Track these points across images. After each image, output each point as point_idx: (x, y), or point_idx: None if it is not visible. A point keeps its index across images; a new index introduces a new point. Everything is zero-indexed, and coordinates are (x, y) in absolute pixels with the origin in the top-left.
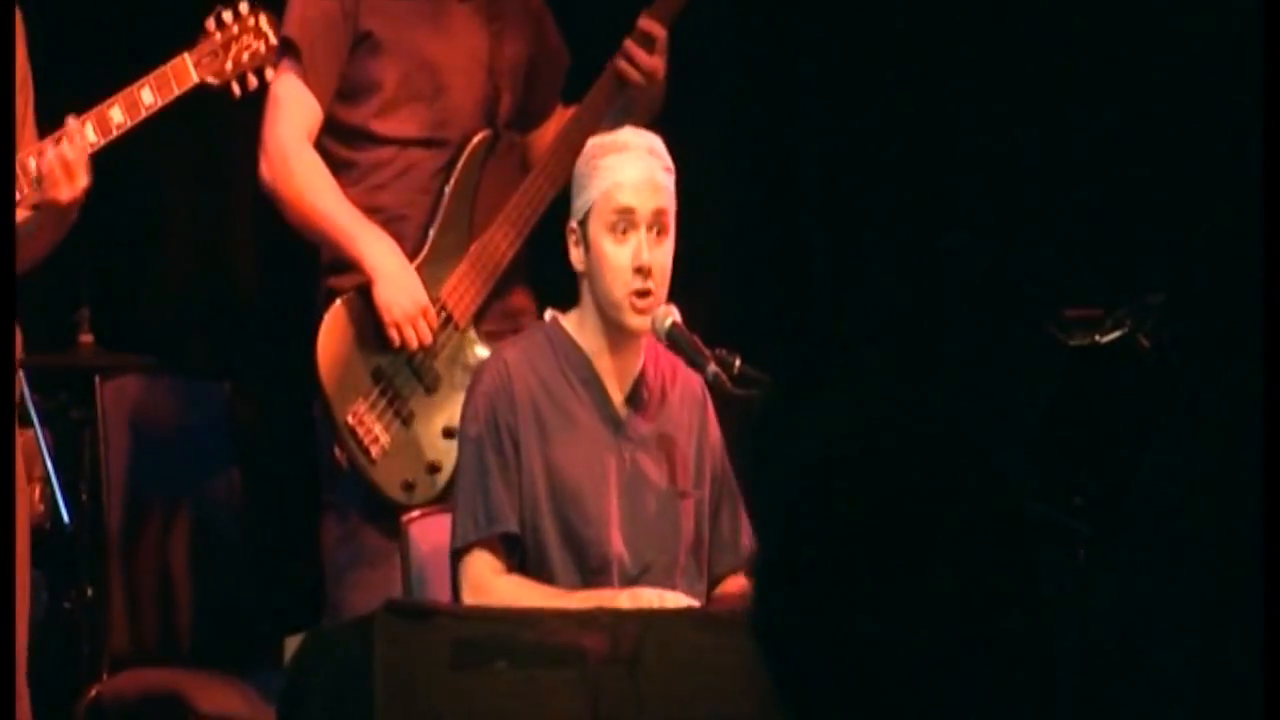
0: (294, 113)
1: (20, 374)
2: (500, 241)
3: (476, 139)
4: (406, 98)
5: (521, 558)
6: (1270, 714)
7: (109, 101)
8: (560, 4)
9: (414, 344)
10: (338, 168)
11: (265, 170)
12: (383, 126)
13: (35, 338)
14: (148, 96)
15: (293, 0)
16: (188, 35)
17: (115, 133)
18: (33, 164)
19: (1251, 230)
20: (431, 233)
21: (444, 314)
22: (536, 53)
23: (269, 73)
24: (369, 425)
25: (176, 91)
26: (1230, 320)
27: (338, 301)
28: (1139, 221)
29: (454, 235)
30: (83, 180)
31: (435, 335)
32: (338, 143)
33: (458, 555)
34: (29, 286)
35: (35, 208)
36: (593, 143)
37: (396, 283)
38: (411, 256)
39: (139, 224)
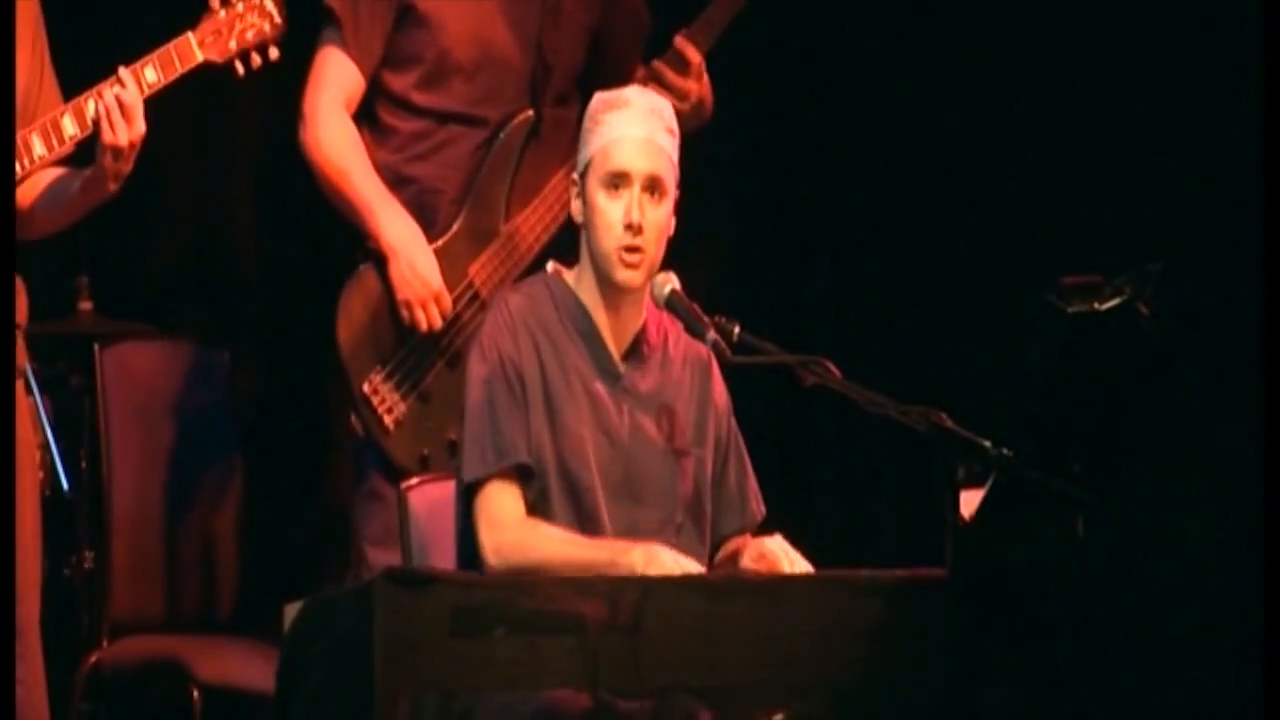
0: (333, 81)
1: (20, 341)
2: (532, 229)
3: (518, 120)
4: (447, 72)
5: (530, 495)
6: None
7: (113, 79)
8: None
9: (423, 326)
10: (382, 133)
11: (302, 136)
12: (422, 98)
13: (34, 305)
14: (151, 74)
15: None
16: (192, 13)
17: None
18: (91, 106)
19: (1249, 202)
20: (464, 209)
21: (471, 291)
22: (608, 19)
23: (273, 51)
24: (384, 395)
25: (180, 70)
26: (1227, 290)
27: (360, 270)
28: (1140, 192)
29: (487, 214)
30: (140, 125)
31: (461, 311)
32: (384, 107)
33: (471, 490)
34: (28, 254)
35: (63, 163)
36: (598, 97)
37: (411, 263)
38: (443, 231)
39: (138, 191)
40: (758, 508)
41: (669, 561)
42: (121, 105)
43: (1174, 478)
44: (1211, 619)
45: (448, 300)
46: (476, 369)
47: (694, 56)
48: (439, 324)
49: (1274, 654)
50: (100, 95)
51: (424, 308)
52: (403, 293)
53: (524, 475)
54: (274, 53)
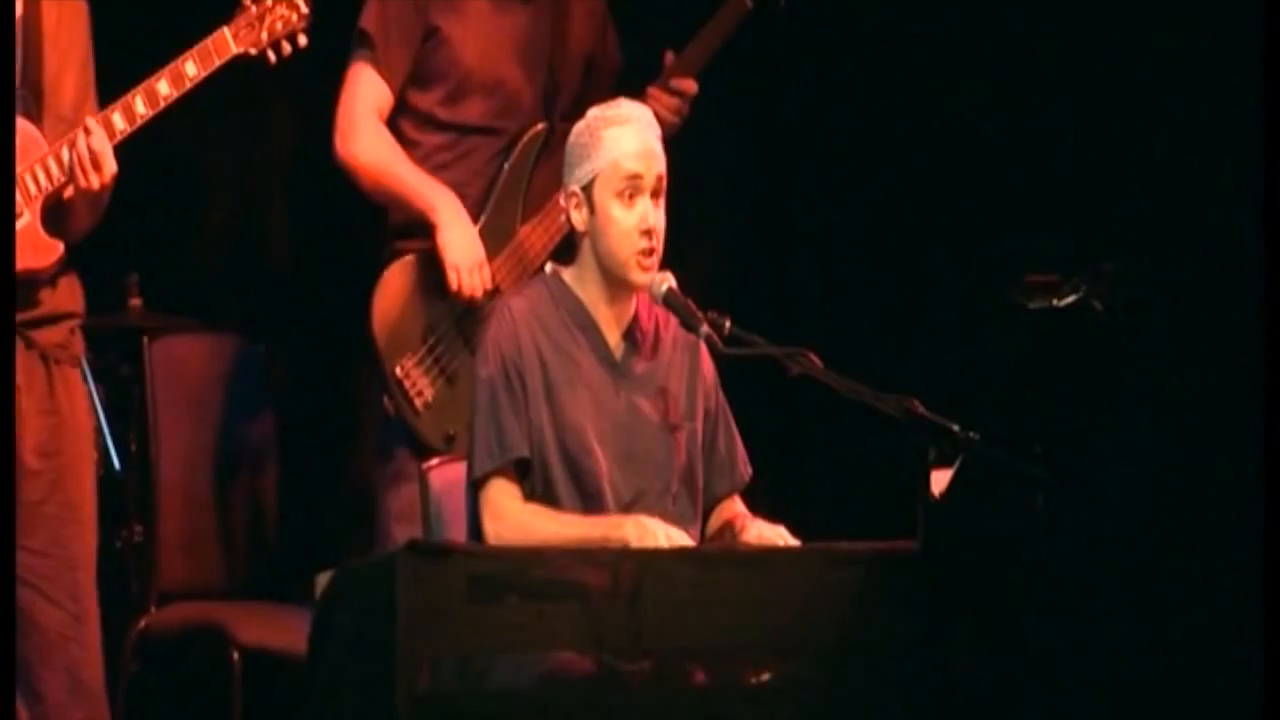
0: (365, 95)
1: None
2: (539, 239)
3: (533, 131)
4: (468, 89)
5: (531, 485)
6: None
7: (156, 75)
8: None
9: (468, 291)
10: (406, 146)
11: (338, 145)
12: (447, 113)
13: (89, 301)
14: (191, 69)
15: None
16: (226, 10)
17: (163, 104)
18: (66, 154)
19: (1224, 195)
20: (486, 210)
21: (493, 285)
22: (594, 52)
23: (301, 39)
24: (415, 379)
25: (217, 62)
26: (1182, 287)
27: (397, 262)
28: (1115, 188)
29: (506, 215)
30: (110, 167)
31: (484, 302)
32: (408, 123)
33: (476, 485)
34: (83, 254)
35: (69, 199)
36: (594, 114)
37: (460, 231)
38: None
39: (183, 197)
40: (745, 470)
41: (659, 531)
42: (91, 155)
43: (1127, 455)
44: (1165, 585)
45: (489, 272)
46: (480, 370)
47: (690, 89)
48: (480, 293)
49: (1271, 637)
50: (73, 144)
51: (469, 273)
52: (451, 255)
53: (524, 469)
54: (303, 40)
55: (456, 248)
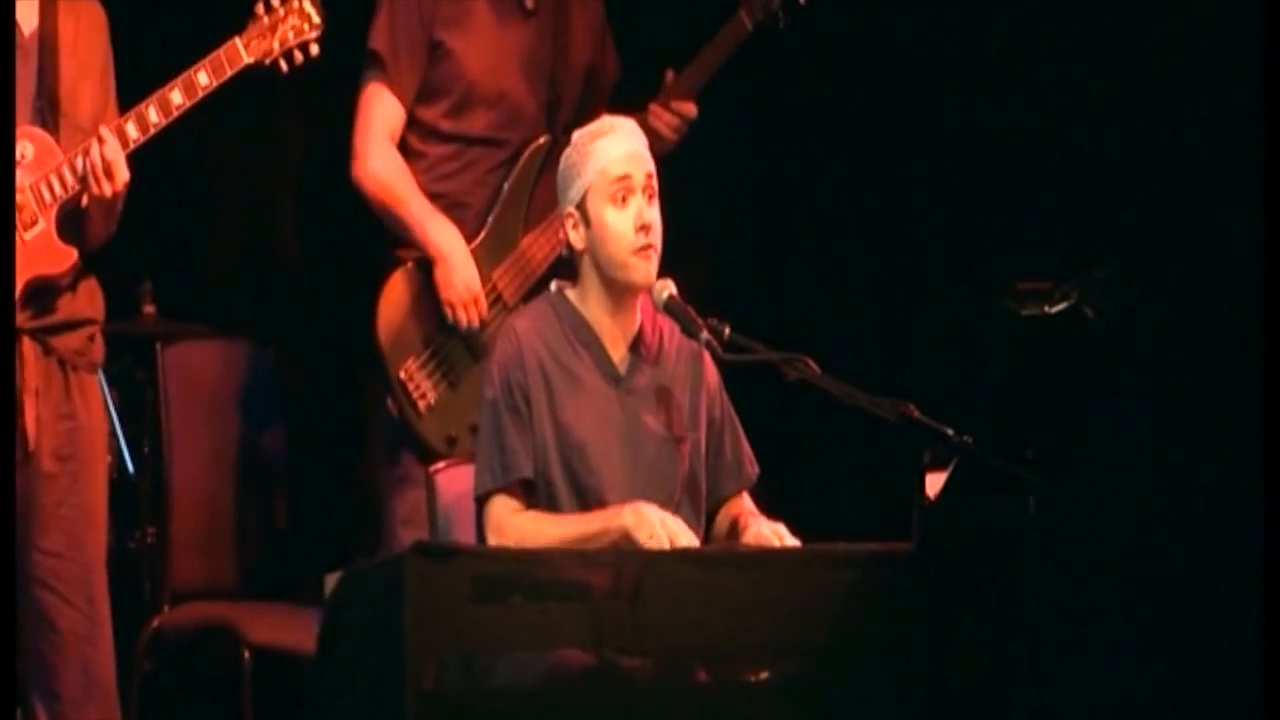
0: (378, 117)
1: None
2: (541, 248)
3: (537, 143)
4: (472, 102)
5: (535, 503)
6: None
7: (169, 85)
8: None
9: (464, 323)
10: (411, 157)
11: (354, 171)
12: (450, 125)
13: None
14: (204, 78)
15: (379, 16)
16: (238, 20)
17: (175, 113)
18: (80, 163)
19: (1212, 202)
20: (490, 220)
21: (495, 294)
22: (594, 64)
23: (313, 49)
24: (418, 382)
25: (229, 72)
26: (1180, 288)
27: (401, 268)
28: (1108, 195)
29: (510, 224)
30: (122, 175)
31: (484, 311)
32: (413, 135)
33: (480, 502)
34: (98, 262)
35: (84, 207)
36: (578, 135)
37: (456, 266)
38: (470, 238)
39: (195, 206)
40: (752, 469)
41: (654, 518)
42: (104, 164)
43: (1116, 459)
44: (1171, 598)
45: (484, 303)
46: (486, 392)
47: (689, 111)
48: (477, 323)
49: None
50: (87, 153)
51: (464, 308)
52: (447, 293)
53: (527, 487)
54: (314, 49)
55: (452, 286)
